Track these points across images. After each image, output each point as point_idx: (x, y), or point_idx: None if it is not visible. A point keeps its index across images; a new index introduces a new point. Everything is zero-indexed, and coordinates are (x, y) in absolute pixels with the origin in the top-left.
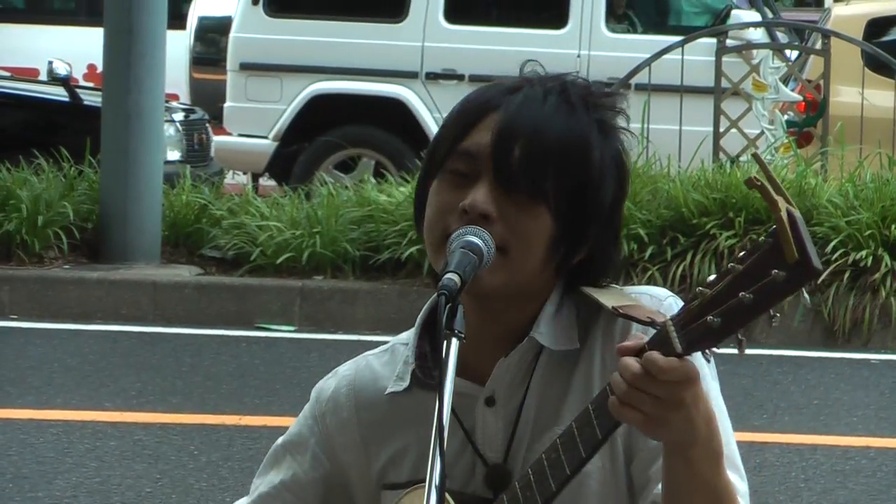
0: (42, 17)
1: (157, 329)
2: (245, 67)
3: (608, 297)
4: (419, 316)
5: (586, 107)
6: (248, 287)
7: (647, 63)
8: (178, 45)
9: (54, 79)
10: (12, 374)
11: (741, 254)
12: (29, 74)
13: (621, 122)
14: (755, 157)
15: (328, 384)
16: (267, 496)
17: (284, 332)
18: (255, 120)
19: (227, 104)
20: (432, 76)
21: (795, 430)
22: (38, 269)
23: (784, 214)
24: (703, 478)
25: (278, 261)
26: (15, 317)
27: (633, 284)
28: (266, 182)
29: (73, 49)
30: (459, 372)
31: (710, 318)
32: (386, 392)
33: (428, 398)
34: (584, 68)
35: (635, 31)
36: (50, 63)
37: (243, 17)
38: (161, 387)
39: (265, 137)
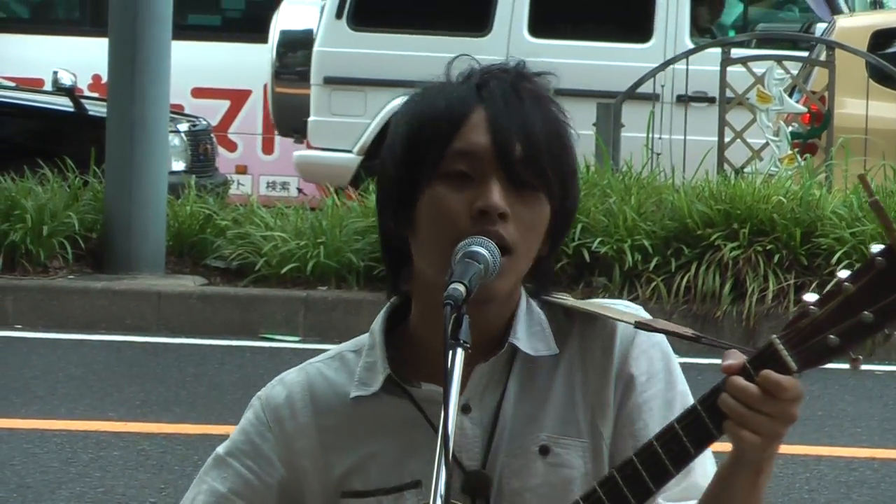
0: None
1: (161, 339)
2: (329, 81)
3: (593, 307)
4: (377, 324)
5: (549, 99)
6: (252, 297)
7: (653, 74)
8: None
9: (59, 89)
10: (17, 383)
11: (847, 274)
12: (34, 84)
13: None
14: (861, 178)
15: (276, 391)
16: None
17: (289, 343)
18: (340, 134)
19: (311, 118)
20: None
21: (800, 440)
22: (43, 279)
23: None
24: (760, 492)
25: (283, 271)
26: (19, 326)
27: (638, 296)
28: (270, 192)
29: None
30: (436, 379)
31: (830, 336)
32: (350, 396)
33: (397, 404)
34: (669, 80)
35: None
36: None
37: (326, 30)
38: (165, 397)
39: (349, 151)
